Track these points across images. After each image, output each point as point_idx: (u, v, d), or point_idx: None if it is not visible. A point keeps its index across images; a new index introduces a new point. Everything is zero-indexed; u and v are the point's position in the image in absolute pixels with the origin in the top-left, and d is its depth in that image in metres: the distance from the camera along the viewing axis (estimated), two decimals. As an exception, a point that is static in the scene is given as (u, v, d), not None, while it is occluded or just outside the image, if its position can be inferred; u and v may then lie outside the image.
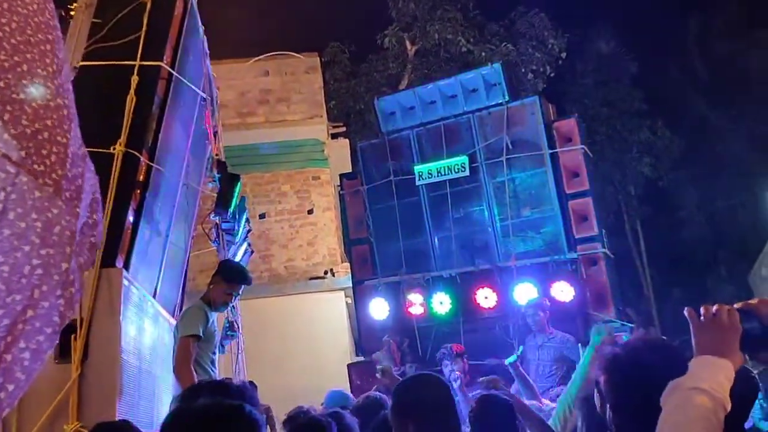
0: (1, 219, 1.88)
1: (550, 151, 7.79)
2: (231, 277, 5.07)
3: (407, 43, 17.43)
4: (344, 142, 13.14)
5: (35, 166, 2.06)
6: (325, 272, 11.49)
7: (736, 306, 1.67)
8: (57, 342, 1.88)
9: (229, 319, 5.98)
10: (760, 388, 2.44)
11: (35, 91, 2.26)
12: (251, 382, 6.55)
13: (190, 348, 4.59)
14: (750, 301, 1.68)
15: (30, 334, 1.81)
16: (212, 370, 4.89)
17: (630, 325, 7.52)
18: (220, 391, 1.98)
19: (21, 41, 2.28)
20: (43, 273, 1.88)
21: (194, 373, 4.53)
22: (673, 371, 1.78)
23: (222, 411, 1.86)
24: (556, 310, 6.98)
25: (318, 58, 13.04)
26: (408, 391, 2.58)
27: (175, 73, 5.17)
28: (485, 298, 7.65)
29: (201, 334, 4.67)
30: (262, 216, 11.56)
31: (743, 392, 2.28)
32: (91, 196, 2.31)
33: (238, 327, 6.08)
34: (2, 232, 1.87)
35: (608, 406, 1.90)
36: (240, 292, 5.21)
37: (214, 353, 4.99)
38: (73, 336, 3.78)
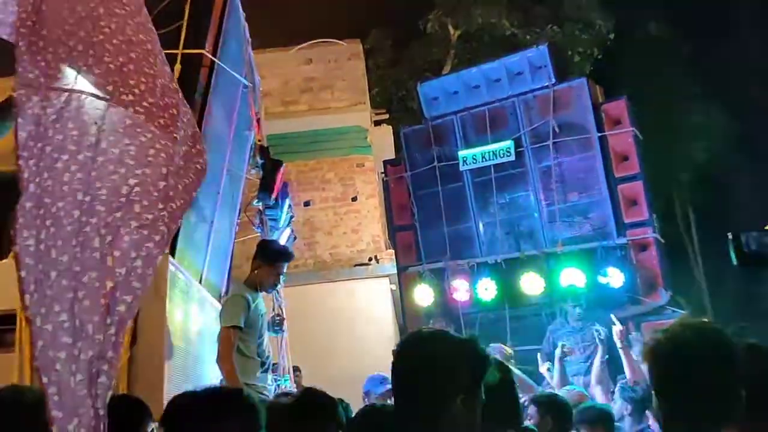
0: (95, 149, 2.04)
1: (599, 134, 7.61)
2: (273, 258, 5.02)
3: (450, 27, 17.21)
4: (387, 129, 13.08)
5: (123, 97, 2.18)
6: (370, 259, 11.49)
7: None
8: (167, 250, 2.04)
9: (277, 312, 5.92)
10: None
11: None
12: (296, 368, 6.54)
13: (231, 339, 4.53)
14: None
15: (139, 243, 1.96)
16: (258, 357, 4.82)
17: (681, 311, 7.33)
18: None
19: (123, 41, 2.36)
20: (141, 190, 2.04)
21: (235, 364, 4.50)
22: (717, 354, 1.71)
23: (221, 395, 2.01)
24: (605, 296, 6.86)
25: (360, 45, 12.98)
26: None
27: (217, 60, 5.20)
28: (531, 284, 7.54)
29: (242, 325, 4.61)
30: (306, 203, 11.60)
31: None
32: (192, 129, 2.42)
33: (283, 313, 6.06)
34: (96, 161, 2.02)
35: (653, 392, 1.85)
36: (285, 271, 5.17)
37: (261, 337, 4.92)
38: (121, 320, 3.83)
